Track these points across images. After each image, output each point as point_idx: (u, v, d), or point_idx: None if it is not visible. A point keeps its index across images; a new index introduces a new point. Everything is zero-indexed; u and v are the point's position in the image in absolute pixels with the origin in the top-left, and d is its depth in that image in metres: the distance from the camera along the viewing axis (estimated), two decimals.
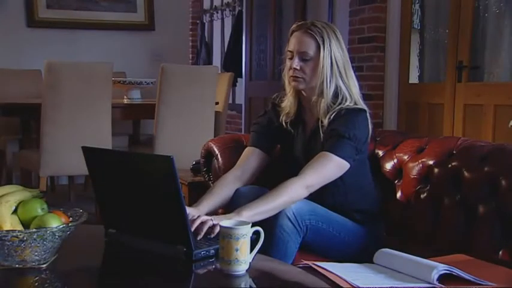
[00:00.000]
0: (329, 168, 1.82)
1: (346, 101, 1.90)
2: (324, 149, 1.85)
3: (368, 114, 1.91)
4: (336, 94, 1.90)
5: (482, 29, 3.42)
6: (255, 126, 2.09)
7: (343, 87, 1.90)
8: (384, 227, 2.05)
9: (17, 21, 5.32)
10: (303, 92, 1.96)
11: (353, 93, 1.92)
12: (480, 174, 1.87)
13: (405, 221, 2.06)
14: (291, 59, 1.92)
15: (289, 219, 1.74)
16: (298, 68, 1.90)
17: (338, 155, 1.82)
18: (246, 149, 2.06)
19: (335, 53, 1.89)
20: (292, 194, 1.77)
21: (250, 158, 2.01)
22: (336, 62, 1.89)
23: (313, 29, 1.89)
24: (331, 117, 1.88)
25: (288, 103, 2.00)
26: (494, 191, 1.82)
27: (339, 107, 1.88)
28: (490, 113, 3.26)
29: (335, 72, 1.89)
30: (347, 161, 1.84)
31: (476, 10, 3.43)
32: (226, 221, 1.40)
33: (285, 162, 2.04)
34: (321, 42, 1.87)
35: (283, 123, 2.00)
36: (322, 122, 1.90)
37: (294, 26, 1.94)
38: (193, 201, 2.95)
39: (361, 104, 1.92)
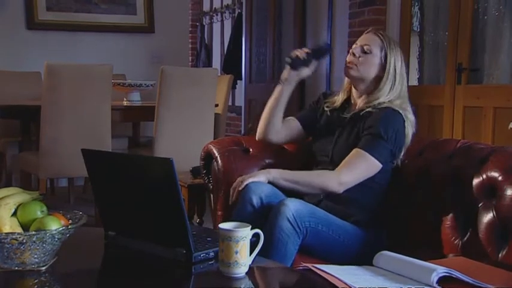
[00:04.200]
0: (364, 168, 1.92)
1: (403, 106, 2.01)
2: (361, 146, 1.93)
3: (409, 122, 2.00)
4: (385, 97, 2.01)
5: (482, 31, 3.42)
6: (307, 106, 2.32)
7: (398, 95, 2.02)
8: (388, 234, 2.04)
9: (17, 23, 5.32)
10: (354, 84, 2.07)
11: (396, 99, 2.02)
12: (480, 176, 1.87)
13: (404, 223, 2.06)
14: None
15: (288, 220, 1.75)
16: (357, 55, 2.04)
17: (373, 156, 1.91)
18: (291, 118, 2.25)
19: (397, 60, 2.03)
20: (326, 181, 1.91)
21: (292, 122, 2.22)
22: (397, 70, 2.02)
23: (380, 33, 2.07)
24: (373, 107, 1.98)
25: (337, 97, 2.15)
26: (493, 194, 1.82)
27: (385, 101, 1.99)
28: (490, 115, 3.26)
29: (393, 78, 2.02)
30: (380, 162, 1.93)
31: (476, 12, 3.43)
32: (225, 224, 1.40)
33: (316, 142, 2.14)
34: (386, 46, 2.02)
35: (325, 107, 2.16)
36: (363, 110, 2.01)
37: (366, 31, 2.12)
38: (193, 203, 2.97)
39: (407, 111, 2.00)
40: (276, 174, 1.93)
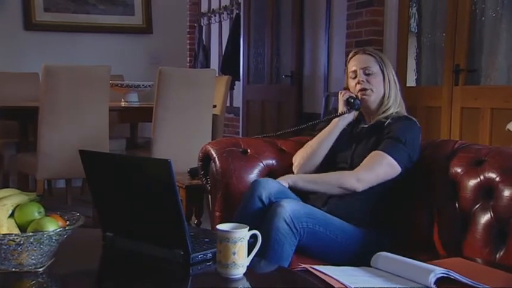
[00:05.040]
0: (382, 166, 1.96)
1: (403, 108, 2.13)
2: (380, 149, 1.98)
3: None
4: (396, 103, 2.11)
5: (479, 32, 3.43)
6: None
7: (399, 98, 2.13)
8: (391, 236, 2.04)
9: (15, 24, 5.32)
10: (368, 105, 2.10)
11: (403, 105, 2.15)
12: (477, 177, 1.87)
13: (402, 224, 2.06)
14: (355, 78, 2.11)
15: (285, 221, 1.76)
16: (364, 80, 2.09)
17: (392, 156, 1.95)
18: None
19: (391, 69, 2.14)
20: (343, 178, 1.96)
21: None
22: (394, 77, 2.12)
23: (369, 51, 2.14)
24: (391, 118, 2.06)
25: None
26: (491, 195, 1.82)
27: (398, 111, 2.09)
28: (487, 117, 3.26)
29: (395, 85, 2.12)
30: (399, 164, 1.96)
31: (473, 14, 3.43)
32: (223, 225, 1.40)
33: (334, 152, 2.15)
34: (380, 60, 2.11)
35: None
36: (380, 121, 2.07)
37: (351, 53, 2.17)
38: (191, 204, 2.96)
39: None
40: (294, 177, 2.02)
